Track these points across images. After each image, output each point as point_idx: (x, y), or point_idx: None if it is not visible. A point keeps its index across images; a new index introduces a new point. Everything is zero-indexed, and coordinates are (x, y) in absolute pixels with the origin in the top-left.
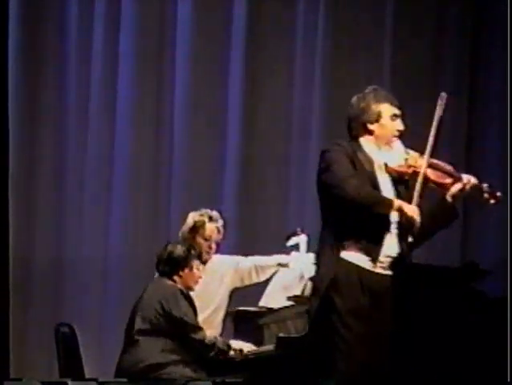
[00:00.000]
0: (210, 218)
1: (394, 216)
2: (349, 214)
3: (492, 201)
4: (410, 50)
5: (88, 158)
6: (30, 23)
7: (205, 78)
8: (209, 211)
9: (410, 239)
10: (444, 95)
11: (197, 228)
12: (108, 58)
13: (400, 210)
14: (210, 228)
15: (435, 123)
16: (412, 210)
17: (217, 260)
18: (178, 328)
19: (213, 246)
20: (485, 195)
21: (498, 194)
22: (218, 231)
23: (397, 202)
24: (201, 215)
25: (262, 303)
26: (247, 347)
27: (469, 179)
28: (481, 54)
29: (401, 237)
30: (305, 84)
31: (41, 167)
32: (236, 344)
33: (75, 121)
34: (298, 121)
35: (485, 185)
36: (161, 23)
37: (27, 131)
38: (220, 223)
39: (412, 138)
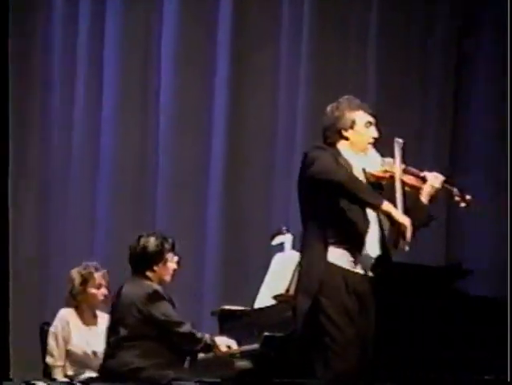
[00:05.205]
0: (96, 269)
1: (374, 218)
2: (334, 209)
3: (462, 204)
4: (396, 55)
5: (73, 162)
6: (16, 35)
7: (191, 80)
8: (89, 263)
9: (407, 248)
10: (400, 141)
11: (86, 280)
12: (93, 61)
13: (389, 214)
14: (98, 276)
15: (398, 173)
16: (404, 218)
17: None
18: (162, 328)
19: (106, 292)
20: (456, 198)
21: (468, 197)
22: (104, 276)
23: (387, 204)
24: (85, 268)
25: (256, 305)
26: (232, 344)
27: (435, 176)
28: (466, 56)
29: (382, 239)
30: (290, 87)
31: (26, 173)
32: (220, 340)
33: (59, 126)
34: (283, 123)
35: (455, 189)
36: (146, 23)
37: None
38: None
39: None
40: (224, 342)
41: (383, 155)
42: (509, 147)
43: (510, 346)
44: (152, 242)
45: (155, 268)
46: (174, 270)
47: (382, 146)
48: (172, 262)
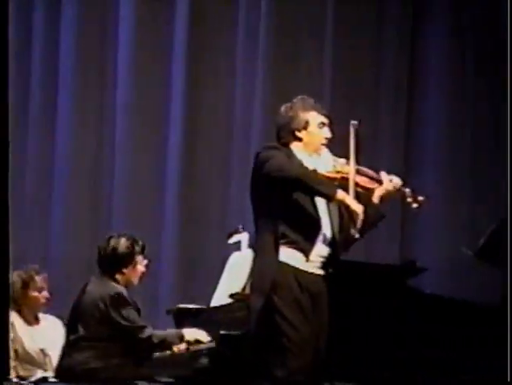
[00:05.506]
0: (37, 272)
1: (325, 218)
2: (288, 208)
3: (415, 205)
4: (350, 56)
5: (28, 165)
6: None
7: (147, 83)
8: (29, 266)
9: (357, 236)
10: (355, 122)
11: (27, 283)
12: (48, 62)
13: (343, 202)
14: (40, 279)
15: (352, 152)
16: (357, 206)
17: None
18: (123, 332)
19: (47, 295)
20: (408, 199)
21: (420, 198)
22: (44, 280)
23: (342, 193)
24: (26, 271)
25: (213, 304)
26: (202, 336)
27: (392, 181)
28: (419, 55)
29: (333, 238)
30: (246, 88)
31: None
32: (189, 334)
33: (14, 128)
34: (239, 123)
35: (407, 190)
36: (102, 25)
37: None
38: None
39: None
40: (193, 336)
41: (337, 154)
42: (510, 148)
43: (510, 346)
44: (122, 244)
45: (124, 270)
46: (142, 273)
47: (336, 146)
48: (141, 265)
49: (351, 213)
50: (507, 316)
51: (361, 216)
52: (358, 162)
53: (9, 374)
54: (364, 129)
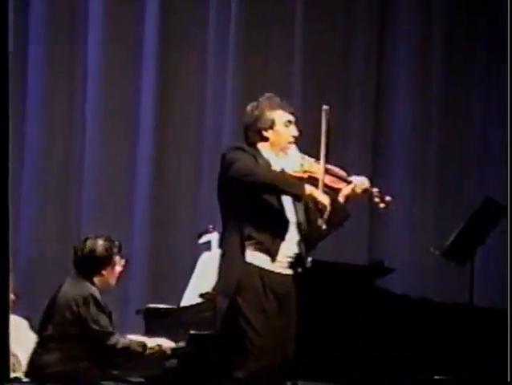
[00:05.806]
0: None
1: (293, 217)
2: (254, 209)
3: (382, 205)
4: (320, 51)
5: None
6: None
7: (117, 81)
8: None
9: (324, 227)
10: (326, 107)
11: None
12: (18, 58)
13: (311, 196)
14: None
15: (323, 136)
16: (324, 198)
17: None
18: (91, 335)
19: (13, 297)
20: (376, 199)
21: (387, 198)
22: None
23: (309, 188)
24: None
25: (183, 304)
26: (165, 343)
27: (361, 182)
28: (387, 50)
29: (300, 238)
30: (217, 89)
31: None
32: (152, 342)
33: None
34: (210, 123)
35: (375, 190)
36: (71, 23)
37: None
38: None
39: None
40: (155, 342)
41: (308, 145)
42: (510, 148)
43: (510, 346)
44: (100, 245)
45: (103, 272)
46: (119, 273)
47: (307, 134)
48: (119, 265)
49: (319, 207)
50: (507, 316)
51: (328, 208)
52: (327, 159)
53: (9, 375)
54: (335, 121)
